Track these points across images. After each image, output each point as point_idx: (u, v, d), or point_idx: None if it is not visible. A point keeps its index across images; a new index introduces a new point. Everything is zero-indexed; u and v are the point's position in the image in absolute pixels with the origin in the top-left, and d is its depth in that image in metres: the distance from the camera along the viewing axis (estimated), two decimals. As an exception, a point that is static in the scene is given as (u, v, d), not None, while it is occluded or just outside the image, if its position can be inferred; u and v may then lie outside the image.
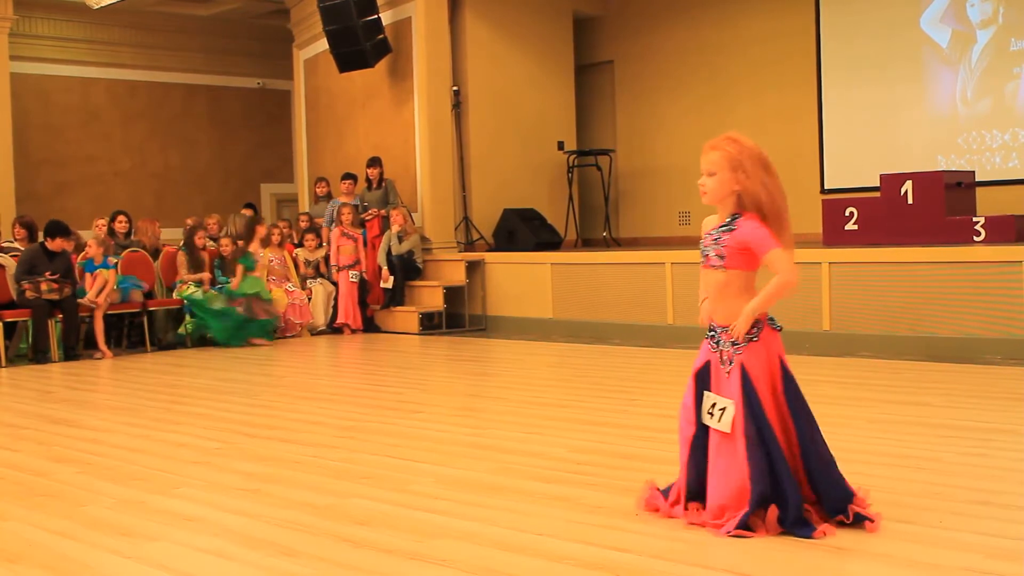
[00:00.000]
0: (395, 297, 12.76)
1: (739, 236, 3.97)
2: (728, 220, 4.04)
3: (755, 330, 4.04)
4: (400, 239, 12.65)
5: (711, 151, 4.07)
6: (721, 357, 4.08)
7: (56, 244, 10.96)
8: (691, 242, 13.73)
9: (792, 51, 13.41)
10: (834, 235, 10.56)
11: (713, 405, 4.03)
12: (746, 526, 3.76)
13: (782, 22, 13.54)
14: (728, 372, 4.03)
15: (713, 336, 4.14)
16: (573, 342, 10.84)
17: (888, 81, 12.68)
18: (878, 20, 12.72)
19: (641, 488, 4.24)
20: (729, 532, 3.75)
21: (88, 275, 11.25)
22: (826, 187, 13.08)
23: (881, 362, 8.44)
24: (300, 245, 13.31)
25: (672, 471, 4.66)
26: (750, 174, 4.03)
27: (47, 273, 10.75)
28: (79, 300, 11.07)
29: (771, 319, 4.09)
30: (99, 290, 11.15)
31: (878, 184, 10.55)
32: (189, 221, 13.32)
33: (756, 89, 13.80)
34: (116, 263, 11.56)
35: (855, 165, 12.81)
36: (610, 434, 5.75)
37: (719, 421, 3.97)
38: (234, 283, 11.83)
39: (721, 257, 4.01)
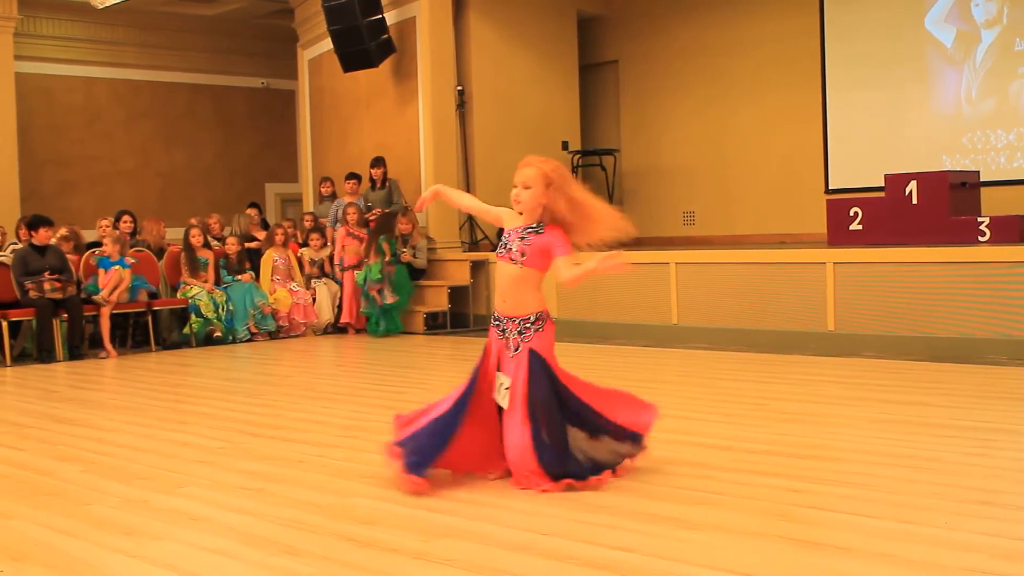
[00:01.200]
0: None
1: (545, 241, 4.67)
2: (535, 225, 4.72)
3: (540, 322, 4.72)
4: (406, 242, 12.64)
5: (526, 167, 4.71)
6: (507, 343, 4.72)
7: (41, 236, 10.98)
8: (696, 242, 13.76)
9: (796, 52, 13.43)
10: (838, 235, 10.57)
11: (501, 384, 4.69)
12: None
13: (787, 23, 13.55)
14: (513, 356, 4.67)
15: (499, 325, 4.78)
16: (576, 342, 10.83)
17: (893, 81, 12.69)
18: (882, 20, 12.74)
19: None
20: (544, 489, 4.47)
21: (102, 271, 11.29)
22: (830, 187, 13.10)
23: (884, 362, 8.44)
24: (305, 245, 13.32)
25: (673, 470, 4.67)
26: (558, 191, 4.66)
27: (47, 272, 10.78)
28: (93, 296, 11.12)
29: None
30: (113, 287, 11.18)
31: (882, 184, 10.56)
32: (192, 221, 13.34)
33: (760, 89, 13.81)
34: (132, 263, 11.61)
35: (859, 165, 12.83)
36: (614, 434, 5.74)
37: (503, 398, 4.66)
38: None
39: (523, 255, 4.68)
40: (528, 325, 4.71)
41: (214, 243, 12.84)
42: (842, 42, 13.07)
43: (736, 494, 4.34)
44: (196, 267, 12.17)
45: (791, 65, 13.49)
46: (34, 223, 11.10)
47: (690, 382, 8.00)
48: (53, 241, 11.27)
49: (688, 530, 3.87)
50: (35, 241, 11.00)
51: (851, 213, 10.50)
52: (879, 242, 10.04)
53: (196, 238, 12.29)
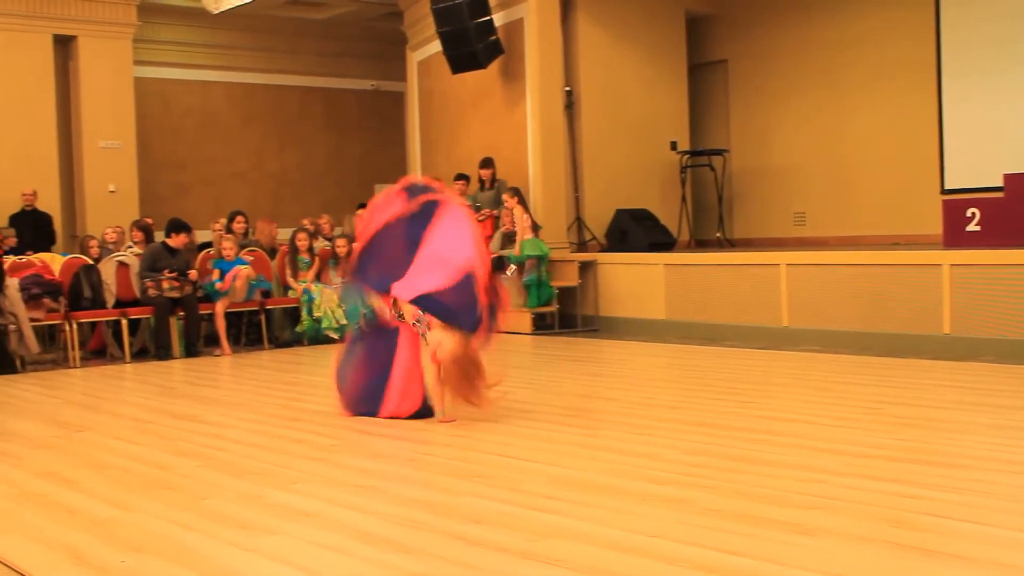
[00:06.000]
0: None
1: None
2: None
3: None
4: (511, 239, 12.64)
5: None
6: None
7: (177, 240, 11.33)
8: (807, 243, 13.56)
9: (911, 46, 13.12)
10: (955, 237, 10.30)
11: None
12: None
13: (900, 17, 13.25)
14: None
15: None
16: (686, 343, 10.76)
17: (1013, 76, 12.30)
18: (1002, 10, 12.35)
19: None
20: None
21: (217, 272, 11.53)
22: (946, 187, 12.77)
23: (1003, 367, 8.22)
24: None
25: (785, 473, 4.62)
26: None
27: (166, 271, 11.07)
28: (219, 294, 11.39)
29: None
30: (239, 283, 11.51)
31: (1001, 184, 10.28)
32: (305, 222, 13.54)
33: (874, 87, 13.54)
34: (249, 260, 11.86)
35: (977, 164, 12.47)
36: (723, 436, 5.70)
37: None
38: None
39: None
40: None
41: (324, 243, 13.01)
42: (959, 36, 12.72)
43: (849, 499, 4.27)
44: (297, 268, 12.37)
45: (905, 62, 13.19)
46: (174, 227, 11.44)
47: (803, 385, 7.88)
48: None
49: (800, 535, 3.81)
50: (170, 243, 11.33)
51: (968, 214, 10.23)
52: (997, 244, 9.76)
53: (302, 241, 12.47)
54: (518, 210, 12.54)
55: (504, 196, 12.75)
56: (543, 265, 12.38)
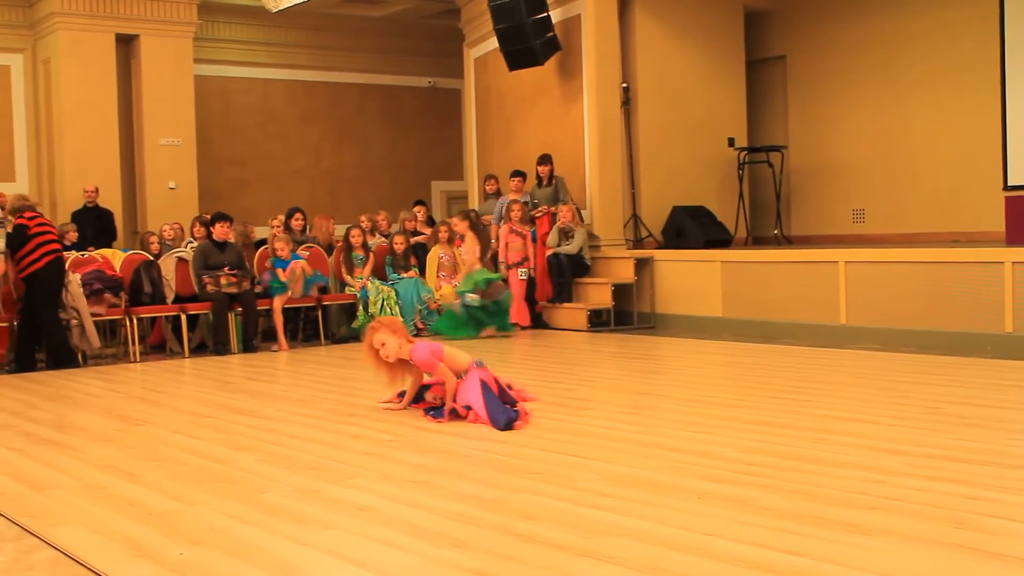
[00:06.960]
0: (562, 294, 12.76)
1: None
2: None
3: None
4: (567, 235, 12.63)
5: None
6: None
7: (219, 231, 11.40)
8: (866, 240, 13.41)
9: (973, 43, 12.90)
10: (1018, 233, 10.15)
11: None
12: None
13: (962, 13, 13.04)
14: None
15: None
16: (742, 341, 10.69)
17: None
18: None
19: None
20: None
21: (279, 271, 11.62)
22: (1009, 183, 12.55)
23: (1069, 366, 8.08)
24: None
25: (845, 473, 4.57)
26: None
27: (225, 268, 11.18)
28: (277, 292, 11.48)
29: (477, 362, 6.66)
30: (297, 277, 11.59)
31: (1066, 180, 10.11)
32: (363, 218, 13.61)
33: (934, 83, 13.35)
34: (305, 256, 11.96)
35: (1042, 160, 12.25)
36: (781, 435, 5.64)
37: None
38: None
39: None
40: None
41: (382, 240, 13.07)
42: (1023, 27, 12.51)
43: (911, 500, 4.21)
44: (352, 264, 12.43)
45: (967, 58, 12.98)
46: (212, 219, 11.57)
47: (862, 383, 7.80)
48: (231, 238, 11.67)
49: (859, 535, 3.76)
50: (214, 235, 11.44)
51: (1032, 211, 10.08)
52: (1063, 241, 9.61)
53: (356, 238, 12.54)
54: (469, 237, 12.53)
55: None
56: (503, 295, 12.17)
